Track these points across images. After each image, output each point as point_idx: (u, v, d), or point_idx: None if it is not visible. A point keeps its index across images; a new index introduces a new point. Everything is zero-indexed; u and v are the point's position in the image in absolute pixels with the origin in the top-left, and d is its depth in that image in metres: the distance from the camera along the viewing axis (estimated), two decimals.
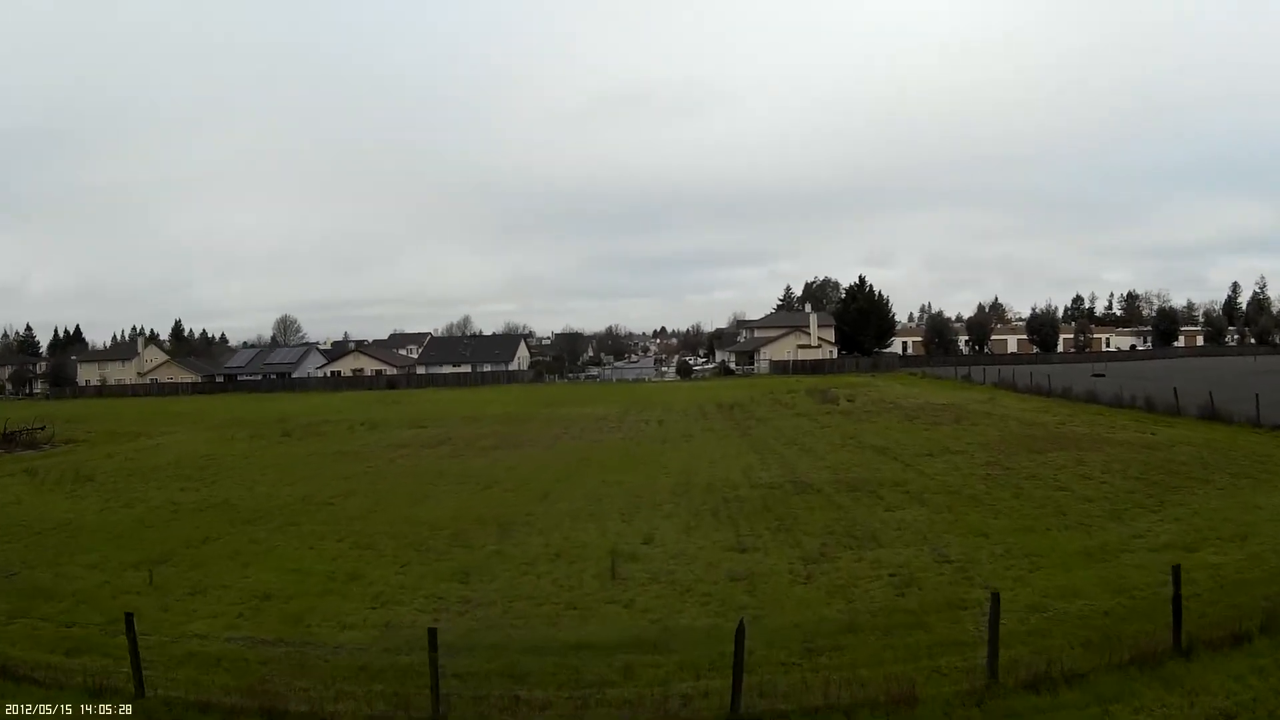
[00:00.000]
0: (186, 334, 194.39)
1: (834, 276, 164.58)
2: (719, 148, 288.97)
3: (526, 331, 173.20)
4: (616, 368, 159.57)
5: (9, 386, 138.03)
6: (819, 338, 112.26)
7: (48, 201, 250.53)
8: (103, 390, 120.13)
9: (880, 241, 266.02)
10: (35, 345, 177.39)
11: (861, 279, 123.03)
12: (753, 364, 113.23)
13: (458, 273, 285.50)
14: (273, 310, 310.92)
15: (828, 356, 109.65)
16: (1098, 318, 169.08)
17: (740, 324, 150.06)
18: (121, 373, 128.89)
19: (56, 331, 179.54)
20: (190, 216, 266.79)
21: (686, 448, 35.80)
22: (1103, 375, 70.78)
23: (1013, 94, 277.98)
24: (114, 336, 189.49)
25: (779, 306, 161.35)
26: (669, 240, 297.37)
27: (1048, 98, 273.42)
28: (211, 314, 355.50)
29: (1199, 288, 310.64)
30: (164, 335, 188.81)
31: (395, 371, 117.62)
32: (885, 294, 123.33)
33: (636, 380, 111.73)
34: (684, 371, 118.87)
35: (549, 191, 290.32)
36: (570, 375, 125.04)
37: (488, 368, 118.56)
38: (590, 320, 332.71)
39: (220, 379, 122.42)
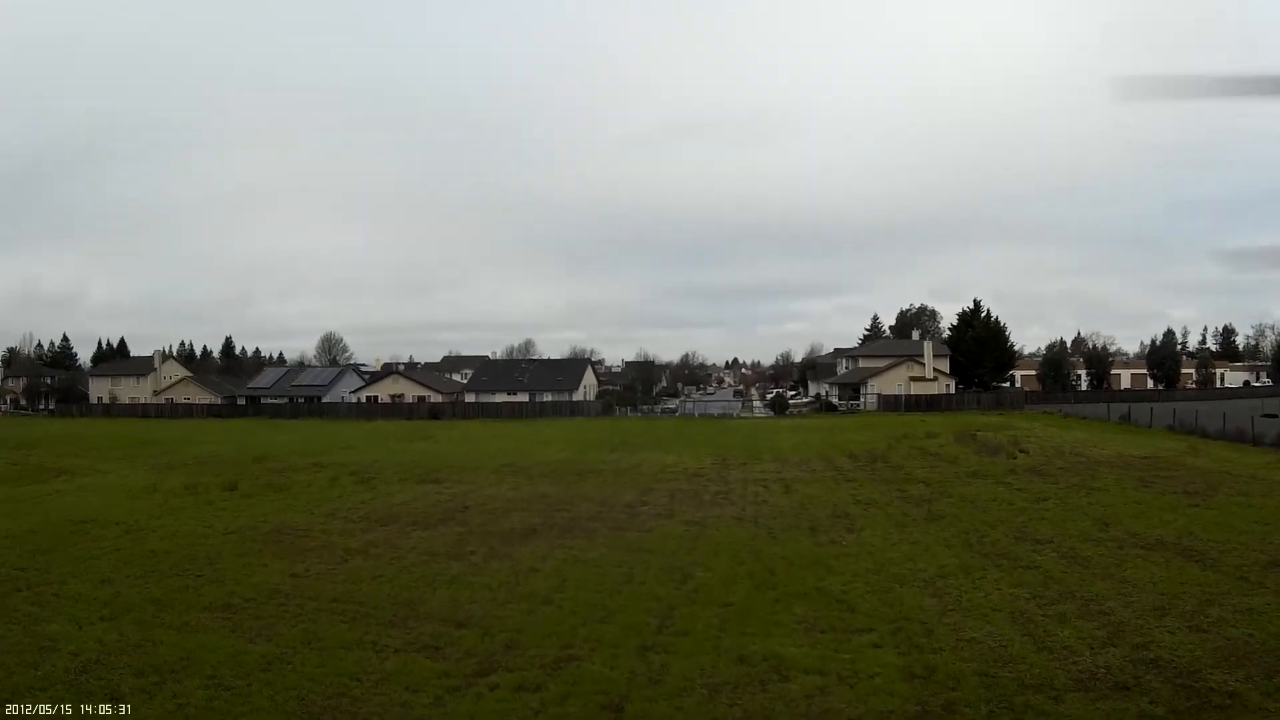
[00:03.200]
0: (239, 352, 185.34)
1: (907, 308, 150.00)
2: (788, 177, 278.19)
3: (594, 357, 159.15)
4: (697, 400, 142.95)
5: (22, 400, 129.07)
6: (934, 369, 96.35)
7: (111, 217, 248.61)
8: (111, 409, 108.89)
9: (948, 276, 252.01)
10: (72, 357, 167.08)
11: (976, 303, 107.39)
12: (858, 398, 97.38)
13: (524, 299, 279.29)
14: (340, 333, 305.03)
15: (944, 391, 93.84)
16: (1190, 353, 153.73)
17: (838, 352, 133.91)
18: (136, 390, 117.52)
19: (100, 344, 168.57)
20: (256, 236, 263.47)
21: (858, 545, 20.53)
22: (1276, 416, 57.26)
23: (1077, 125, 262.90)
24: (163, 350, 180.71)
25: (864, 338, 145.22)
26: (739, 270, 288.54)
27: (1112, 129, 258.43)
28: (276, 334, 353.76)
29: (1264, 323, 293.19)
30: (215, 353, 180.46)
31: (441, 399, 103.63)
32: (1003, 321, 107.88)
33: (723, 415, 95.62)
34: (779, 406, 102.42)
35: (617, 219, 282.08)
36: (645, 408, 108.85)
37: (549, 397, 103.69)
38: (660, 349, 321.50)
39: (242, 401, 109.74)
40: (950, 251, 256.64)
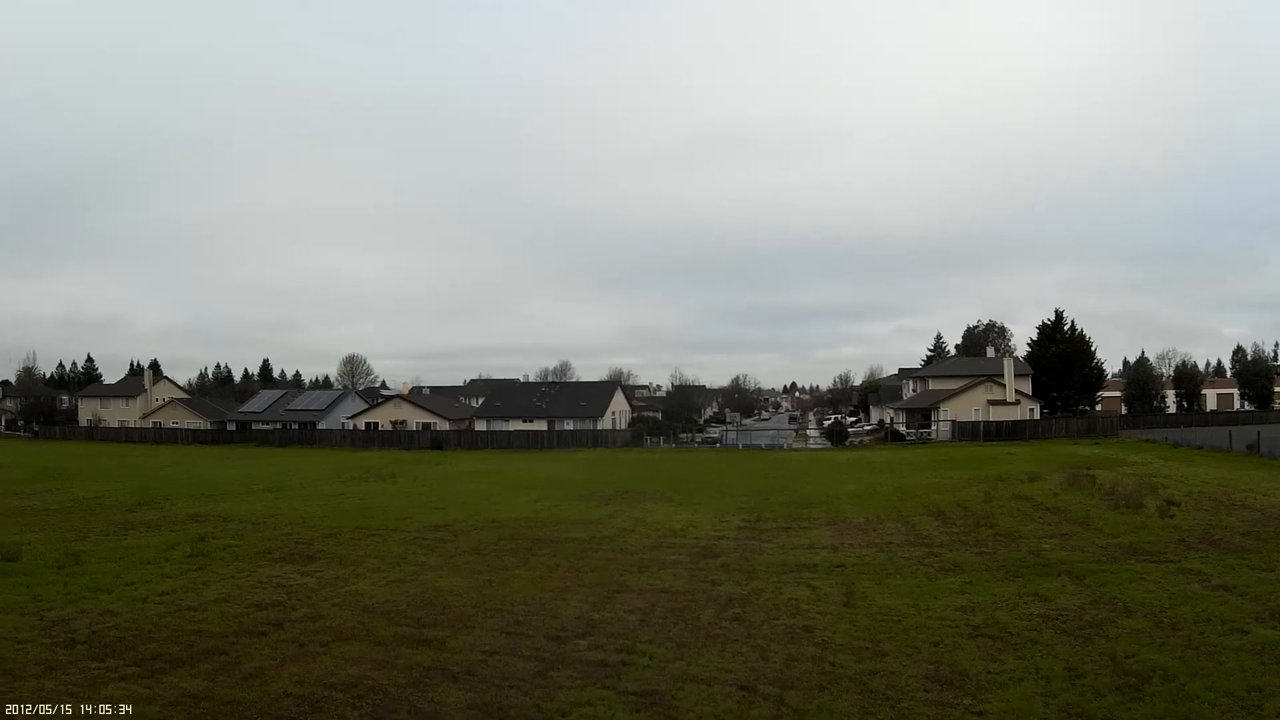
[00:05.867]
0: (277, 375, 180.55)
1: (975, 324, 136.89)
2: (830, 192, 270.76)
3: (630, 380, 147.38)
4: (744, 427, 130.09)
5: (19, 421, 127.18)
6: (1015, 390, 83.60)
7: (153, 240, 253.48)
8: (94, 432, 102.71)
9: (1002, 296, 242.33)
10: (95, 379, 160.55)
11: (1059, 314, 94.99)
12: (929, 425, 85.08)
13: (577, 324, 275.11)
14: (385, 357, 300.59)
15: (1027, 415, 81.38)
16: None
17: (904, 373, 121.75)
18: (125, 412, 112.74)
19: (132, 365, 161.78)
20: (303, 260, 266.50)
21: None
22: None
23: (1127, 139, 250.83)
24: (199, 374, 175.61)
25: (928, 359, 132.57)
26: (791, 291, 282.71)
27: (1165, 141, 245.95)
28: (322, 359, 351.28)
29: None
30: (255, 375, 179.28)
31: (447, 426, 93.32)
32: (1088, 335, 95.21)
33: (771, 446, 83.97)
34: (837, 436, 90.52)
35: (666, 239, 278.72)
36: (683, 436, 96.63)
37: (570, 424, 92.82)
38: (715, 375, 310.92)
39: (232, 426, 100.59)
40: (1003, 271, 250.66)
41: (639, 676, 12.53)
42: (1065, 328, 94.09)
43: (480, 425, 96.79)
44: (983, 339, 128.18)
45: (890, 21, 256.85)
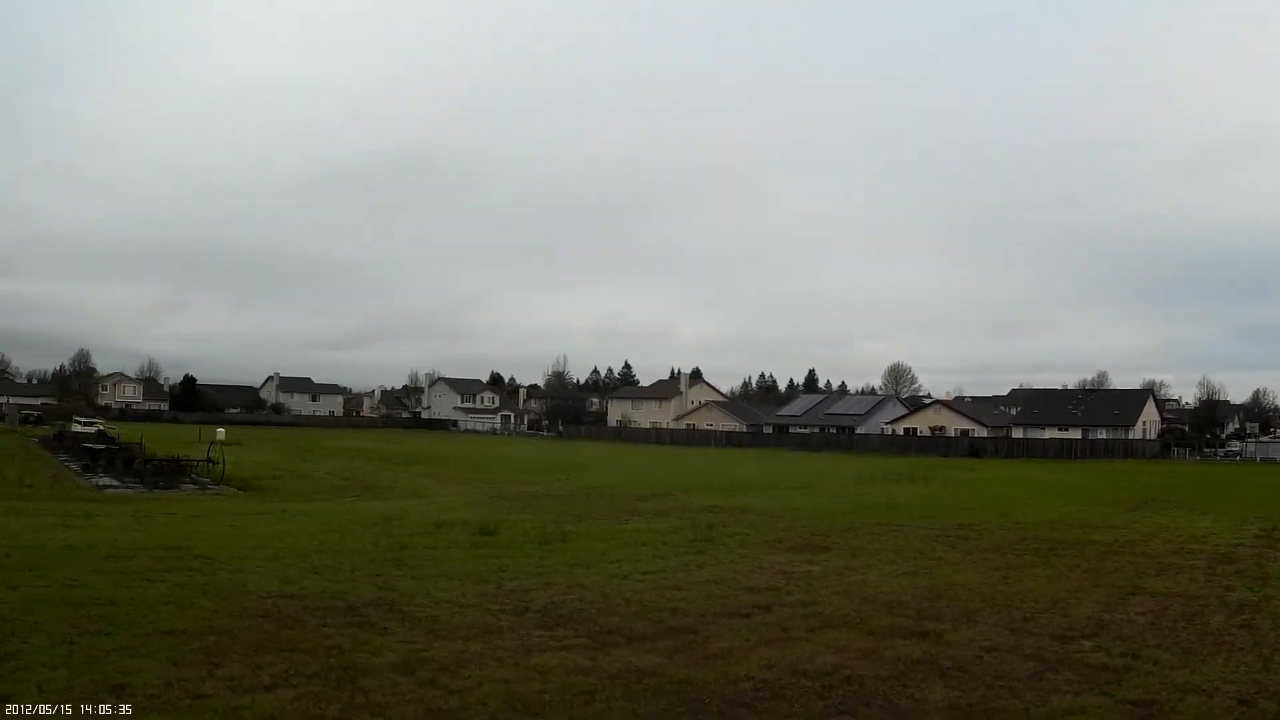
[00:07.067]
0: (823, 385, 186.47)
1: None
2: None
3: (1162, 391, 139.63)
4: (1262, 441, 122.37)
5: (544, 421, 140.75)
6: None
7: (700, 254, 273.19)
8: (622, 433, 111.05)
9: None
10: (632, 384, 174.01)
11: None
12: None
13: (1113, 339, 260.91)
14: (930, 371, 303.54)
15: None
16: None
17: None
18: (657, 414, 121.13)
19: (672, 373, 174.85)
20: (849, 275, 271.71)
21: None
22: None
23: None
24: (743, 383, 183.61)
25: None
26: None
27: None
28: (867, 370, 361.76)
29: None
30: (799, 385, 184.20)
31: (985, 433, 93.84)
32: None
33: None
34: None
35: (1198, 253, 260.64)
36: (1207, 450, 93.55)
37: (1102, 433, 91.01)
38: (1237, 391, 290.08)
39: (769, 429, 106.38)
40: None
41: (1139, 684, 11.65)
42: None
43: (1017, 432, 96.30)
44: None
45: None
